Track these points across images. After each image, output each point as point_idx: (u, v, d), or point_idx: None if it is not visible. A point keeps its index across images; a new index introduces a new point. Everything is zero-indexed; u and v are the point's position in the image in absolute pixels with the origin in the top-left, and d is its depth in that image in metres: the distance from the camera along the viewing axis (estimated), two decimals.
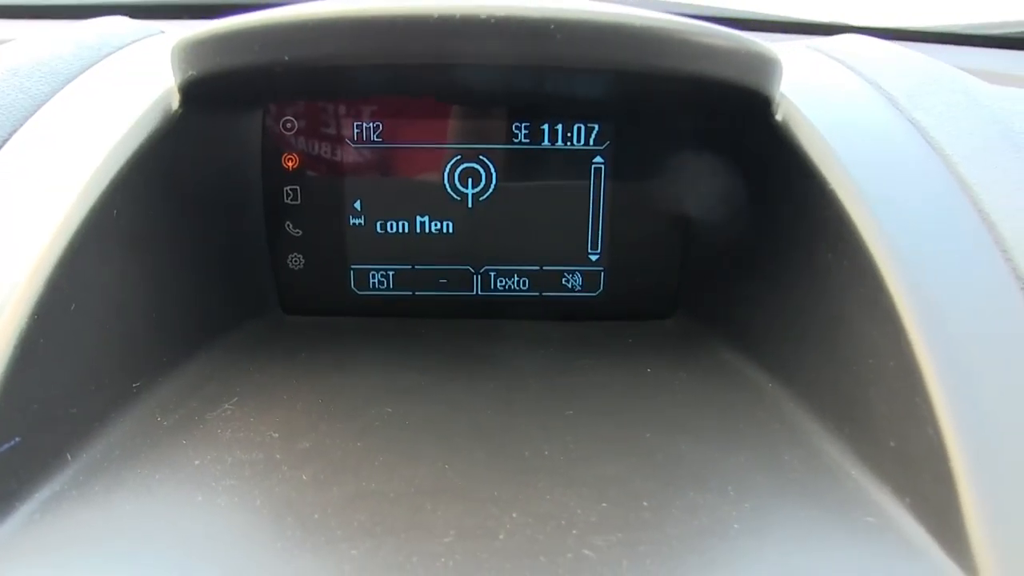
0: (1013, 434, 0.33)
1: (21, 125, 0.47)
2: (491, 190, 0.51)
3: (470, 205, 0.51)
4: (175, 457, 0.37)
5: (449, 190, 0.51)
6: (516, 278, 0.52)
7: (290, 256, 0.52)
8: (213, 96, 0.43)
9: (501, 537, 0.32)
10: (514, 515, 0.33)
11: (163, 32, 0.64)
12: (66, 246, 0.37)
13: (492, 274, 0.52)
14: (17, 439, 0.33)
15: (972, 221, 0.42)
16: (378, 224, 0.51)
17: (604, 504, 0.34)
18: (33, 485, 0.34)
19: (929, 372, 0.34)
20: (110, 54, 0.56)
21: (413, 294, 0.53)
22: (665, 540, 0.32)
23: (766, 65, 0.42)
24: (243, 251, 0.51)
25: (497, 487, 0.35)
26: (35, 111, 0.49)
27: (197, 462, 0.36)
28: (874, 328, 0.38)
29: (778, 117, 0.44)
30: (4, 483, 0.33)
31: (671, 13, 0.41)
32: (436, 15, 0.36)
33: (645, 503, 0.34)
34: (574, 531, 0.32)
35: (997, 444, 0.33)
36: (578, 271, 0.52)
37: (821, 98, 0.51)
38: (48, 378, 0.35)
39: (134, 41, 0.60)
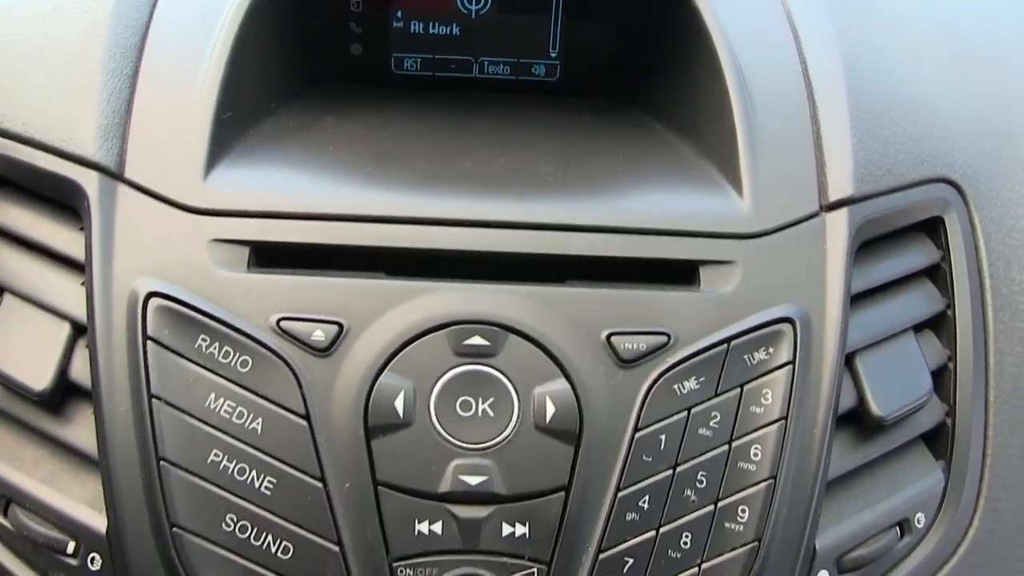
0: (770, 129, 0.61)
1: None
2: (487, 8, 0.74)
3: (473, 16, 0.74)
4: (309, 135, 0.63)
5: (460, 7, 0.74)
6: (502, 66, 0.75)
7: (352, 46, 0.75)
8: None
9: (495, 166, 0.60)
10: (502, 159, 0.61)
11: None
12: (241, 20, 0.62)
13: (486, 62, 0.76)
14: (230, 113, 0.60)
15: (787, 42, 0.69)
16: (412, 26, 0.75)
17: (550, 159, 0.62)
18: (236, 142, 0.60)
19: (733, 100, 0.61)
20: None
21: (433, 74, 0.75)
22: (579, 172, 0.60)
23: None
24: (329, 43, 0.74)
25: (490, 152, 0.62)
26: None
27: (322, 137, 0.63)
28: (711, 84, 0.64)
29: None
30: (225, 136, 0.59)
31: None
32: None
33: (572, 161, 0.62)
34: (531, 167, 0.60)
35: (760, 136, 0.60)
36: (543, 63, 0.76)
37: None
38: (237, 87, 0.61)
39: None
